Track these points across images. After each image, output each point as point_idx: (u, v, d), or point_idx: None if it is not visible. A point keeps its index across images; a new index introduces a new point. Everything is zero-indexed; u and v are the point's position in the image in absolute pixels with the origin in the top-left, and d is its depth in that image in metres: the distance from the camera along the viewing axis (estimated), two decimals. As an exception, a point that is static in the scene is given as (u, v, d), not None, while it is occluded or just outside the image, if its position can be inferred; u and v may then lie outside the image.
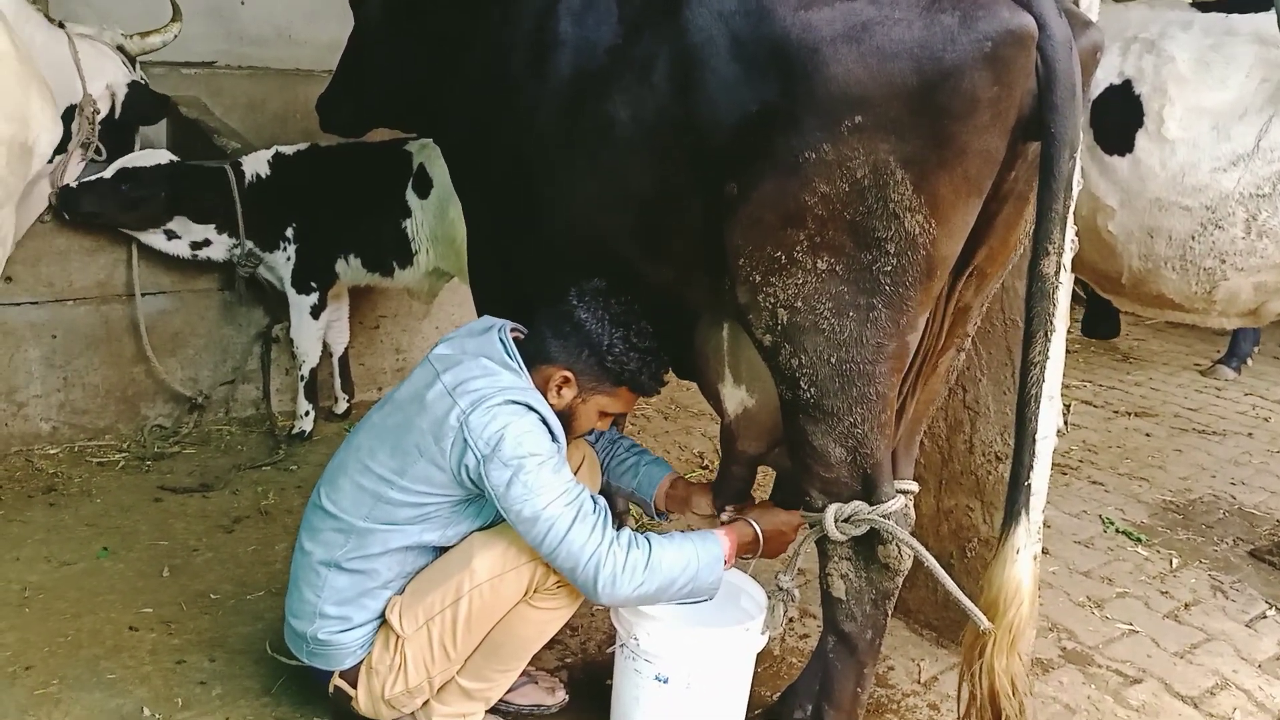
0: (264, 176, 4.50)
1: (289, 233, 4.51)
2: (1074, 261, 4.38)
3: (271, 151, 4.57)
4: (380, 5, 3.43)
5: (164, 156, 4.35)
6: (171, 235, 4.41)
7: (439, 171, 4.41)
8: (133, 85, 4.33)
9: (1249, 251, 3.84)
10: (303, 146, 4.63)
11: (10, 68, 3.06)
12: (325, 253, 4.56)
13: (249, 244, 4.48)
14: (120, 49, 4.34)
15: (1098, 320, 6.85)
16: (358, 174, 4.56)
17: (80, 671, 2.91)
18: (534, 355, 2.52)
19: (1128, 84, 4.07)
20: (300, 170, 4.55)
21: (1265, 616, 3.61)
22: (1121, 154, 4.05)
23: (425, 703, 2.58)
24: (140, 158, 4.29)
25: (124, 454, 4.41)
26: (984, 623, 2.17)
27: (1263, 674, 3.26)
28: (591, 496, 2.37)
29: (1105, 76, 4.12)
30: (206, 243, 4.47)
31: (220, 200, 4.39)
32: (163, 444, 4.52)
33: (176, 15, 4.57)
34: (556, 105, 2.49)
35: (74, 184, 4.17)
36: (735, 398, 2.56)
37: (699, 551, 2.37)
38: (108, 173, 4.21)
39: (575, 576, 2.33)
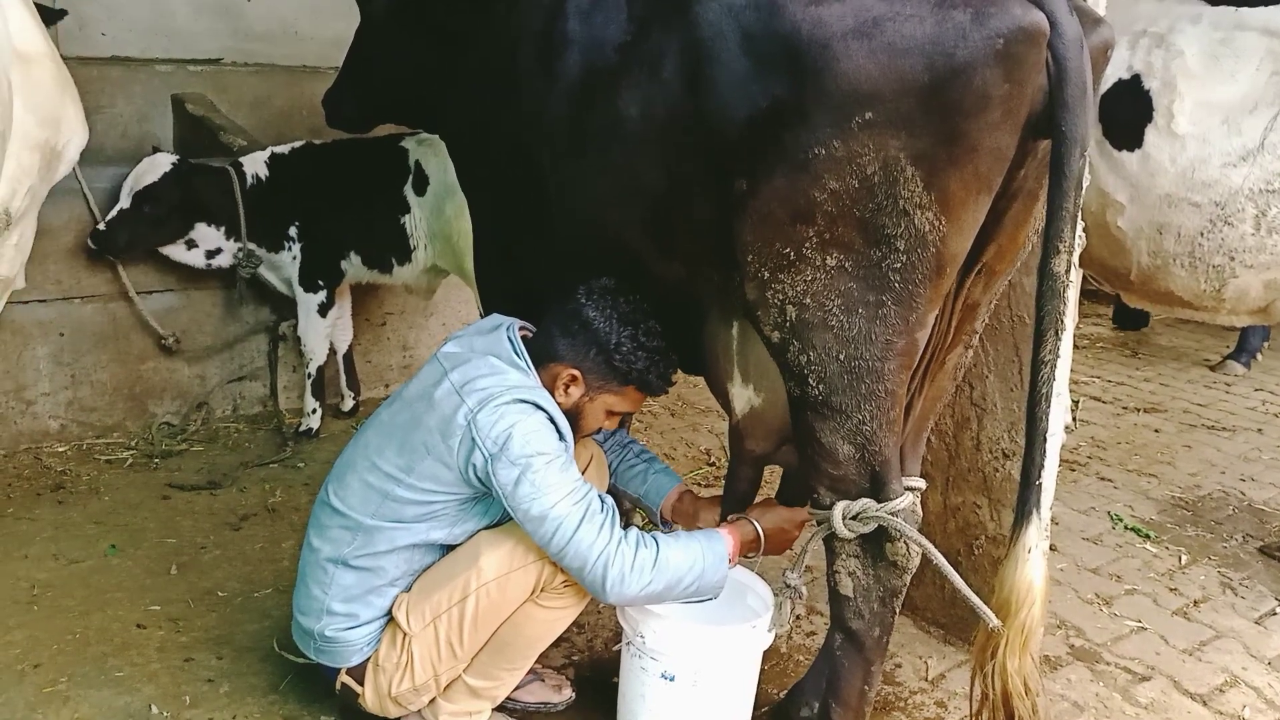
0: (263, 177, 4.50)
1: (292, 232, 4.52)
2: (1082, 257, 4.39)
3: (267, 152, 4.57)
4: (386, 1, 3.43)
5: (166, 162, 4.34)
6: (191, 245, 4.44)
7: (435, 168, 4.41)
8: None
9: (1259, 248, 3.81)
10: (298, 144, 4.63)
11: (48, 70, 3.02)
12: (330, 251, 4.57)
13: (251, 245, 4.48)
14: None
15: (1128, 312, 6.92)
16: (356, 171, 4.56)
17: (88, 669, 2.91)
18: (542, 353, 2.51)
19: (1137, 79, 4.05)
20: (298, 169, 4.56)
21: (1275, 614, 3.59)
22: (1131, 149, 4.03)
23: (432, 700, 2.58)
24: (146, 173, 4.29)
25: (132, 451, 4.42)
26: (994, 621, 2.16)
27: (1272, 671, 3.25)
28: (599, 495, 2.37)
29: (1114, 71, 4.10)
30: (218, 250, 4.49)
31: (225, 201, 4.40)
32: (171, 441, 4.53)
33: None
34: (566, 102, 2.48)
35: (103, 226, 4.22)
36: (743, 396, 2.55)
37: (705, 551, 2.36)
38: (126, 203, 4.24)
39: (583, 575, 2.32)
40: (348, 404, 4.96)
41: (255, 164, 4.52)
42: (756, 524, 2.55)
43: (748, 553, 2.56)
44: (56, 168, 3.40)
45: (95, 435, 4.51)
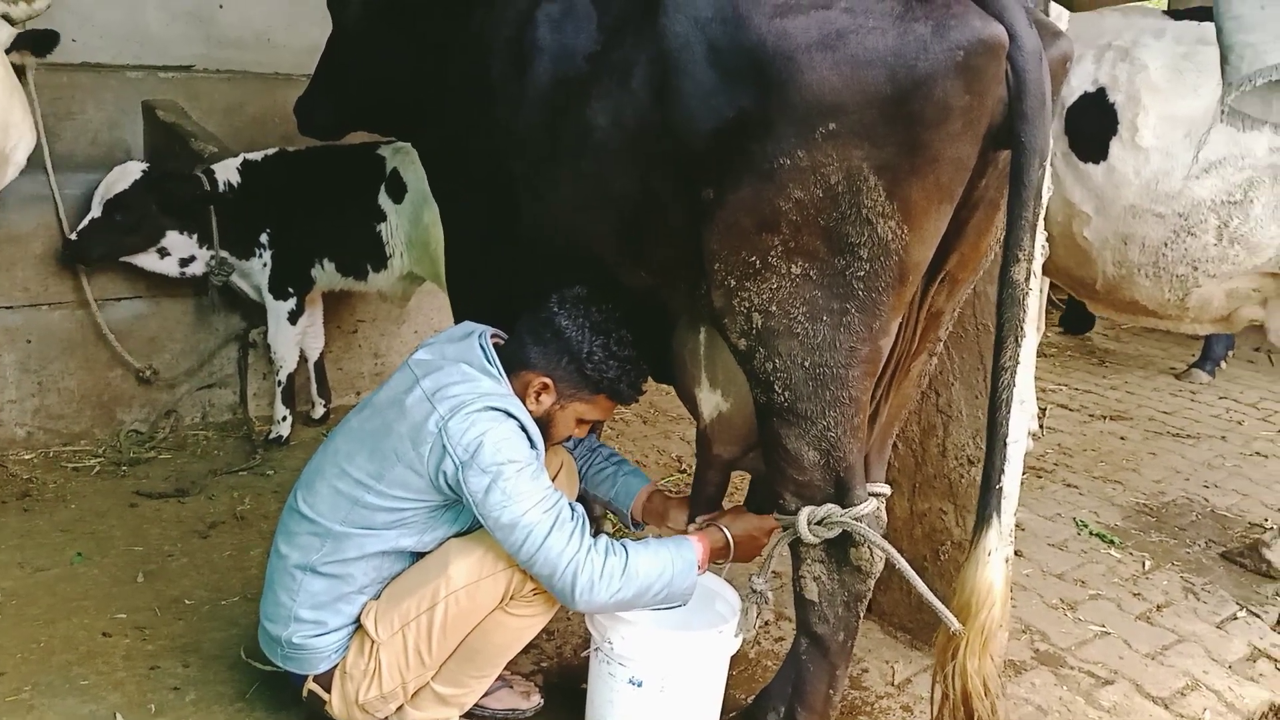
0: (235, 184, 4.48)
1: (263, 239, 4.50)
2: (1049, 267, 4.45)
3: (240, 159, 4.55)
4: (359, 10, 3.43)
5: (136, 170, 4.31)
6: (164, 253, 4.40)
7: (413, 175, 4.41)
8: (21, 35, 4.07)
9: (1221, 258, 3.88)
10: (270, 152, 4.61)
11: None
12: (301, 258, 4.55)
13: (223, 253, 4.46)
14: (6, 17, 4.19)
15: (1074, 316, 7.07)
16: (329, 178, 4.54)
17: (53, 678, 2.89)
18: (513, 361, 2.52)
19: (1102, 92, 4.11)
20: (270, 176, 4.53)
21: (1236, 618, 3.65)
22: (1096, 161, 4.08)
23: (400, 708, 2.58)
24: (117, 181, 4.26)
25: (99, 459, 4.38)
26: (955, 624, 2.19)
27: (1233, 675, 3.30)
28: (569, 504, 2.38)
29: (1080, 84, 4.16)
30: (192, 259, 4.46)
31: (197, 209, 4.37)
32: (139, 449, 4.50)
33: None
34: (536, 111, 2.50)
35: (74, 236, 4.20)
36: (711, 402, 2.57)
37: (674, 558, 2.38)
38: (97, 211, 4.21)
39: (552, 583, 2.33)
40: (318, 411, 4.95)
41: (227, 171, 4.50)
42: (726, 531, 2.57)
43: (717, 559, 2.57)
44: (4, 171, 3.39)
45: (62, 443, 4.47)
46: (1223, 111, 2.39)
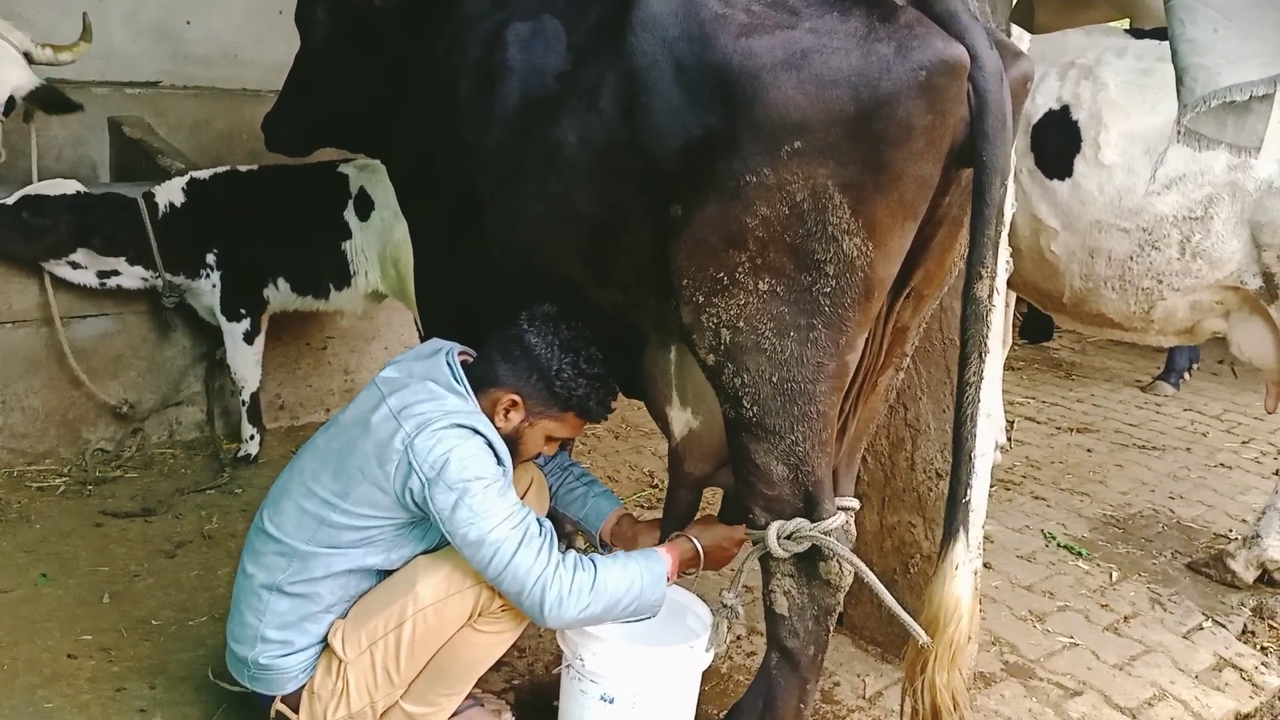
0: (178, 205, 4.40)
1: (210, 259, 4.43)
2: (1016, 281, 4.50)
3: (186, 178, 4.49)
4: (327, 28, 3.43)
5: (71, 187, 4.25)
6: (76, 265, 4.31)
7: (380, 193, 4.39)
8: (39, 89, 4.22)
9: (1184, 272, 3.94)
10: (220, 170, 4.54)
11: None
12: (252, 278, 4.49)
13: (169, 276, 4.42)
14: (27, 55, 4.22)
15: (1033, 326, 7.40)
16: (284, 197, 4.49)
17: (16, 701, 2.85)
18: (482, 379, 2.52)
19: (1066, 110, 4.16)
20: (218, 195, 4.47)
21: (1202, 628, 3.69)
22: (1062, 178, 4.14)
23: (370, 727, 2.57)
24: (46, 186, 4.21)
25: (64, 478, 4.33)
26: (923, 638, 2.21)
27: (1199, 684, 3.34)
28: (538, 519, 2.38)
29: (1045, 102, 4.21)
30: (115, 273, 4.37)
31: (131, 233, 4.30)
32: (104, 468, 4.45)
33: (86, 35, 4.45)
34: (505, 130, 2.51)
35: None
36: (682, 419, 2.59)
37: (642, 571, 2.38)
38: (10, 199, 4.14)
39: (521, 600, 2.33)
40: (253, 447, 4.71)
41: (171, 191, 4.42)
42: (696, 541, 2.58)
43: (687, 569, 2.58)
44: None
45: (27, 462, 4.41)
46: (1179, 132, 2.44)
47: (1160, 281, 4.00)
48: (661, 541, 2.66)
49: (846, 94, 1.96)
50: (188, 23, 5.80)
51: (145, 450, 4.66)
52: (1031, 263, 4.36)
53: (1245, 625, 3.76)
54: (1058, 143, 4.16)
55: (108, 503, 4.15)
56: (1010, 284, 4.47)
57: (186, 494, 4.26)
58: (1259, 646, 3.64)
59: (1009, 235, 4.06)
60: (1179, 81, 2.37)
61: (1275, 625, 3.77)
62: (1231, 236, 3.79)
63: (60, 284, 4.35)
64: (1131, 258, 4.01)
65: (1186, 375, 6.72)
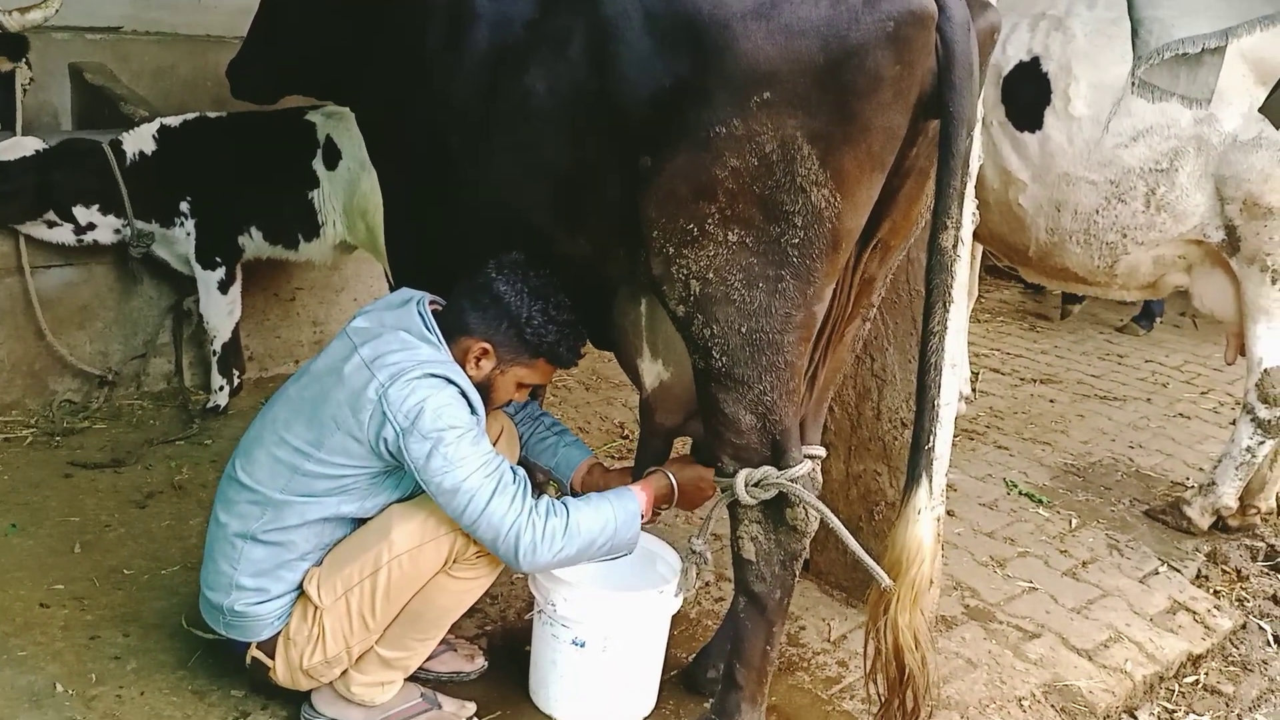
0: (149, 152, 4.33)
1: (184, 207, 4.38)
2: (983, 234, 4.54)
3: (156, 124, 4.41)
4: (292, -30, 3.38)
5: (30, 146, 4.15)
6: (52, 224, 4.24)
7: (348, 142, 4.34)
8: None
9: (1148, 225, 3.98)
10: (190, 117, 4.46)
11: None
12: (227, 226, 4.44)
13: (141, 224, 4.36)
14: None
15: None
16: (255, 144, 4.42)
17: (-11, 649, 2.86)
18: (452, 327, 2.53)
19: (1036, 61, 4.17)
20: (189, 142, 4.40)
21: (1157, 573, 3.80)
22: (1032, 130, 4.15)
23: (344, 672, 2.60)
24: (5, 149, 4.11)
25: (32, 430, 4.30)
26: (886, 580, 2.27)
27: (1153, 627, 3.44)
28: (511, 467, 2.40)
29: (1015, 54, 4.22)
30: (91, 226, 4.30)
31: (100, 181, 4.23)
32: (72, 419, 4.42)
33: None
34: (474, 79, 2.49)
35: None
36: (652, 371, 2.61)
37: (615, 510, 2.42)
38: None
39: (496, 547, 2.36)
40: (222, 399, 4.69)
41: (140, 139, 4.35)
42: (671, 476, 2.61)
43: (661, 505, 2.62)
44: None
45: (-8, 413, 4.38)
46: (1133, 84, 2.47)
47: (1125, 235, 4.04)
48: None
49: (815, 44, 1.97)
50: (150, -34, 5.68)
51: (113, 401, 4.63)
52: (1000, 215, 4.40)
53: (1199, 570, 3.87)
54: (1028, 95, 4.17)
55: (76, 454, 4.14)
56: (977, 236, 4.51)
57: (156, 445, 4.24)
58: (1212, 590, 3.75)
59: (977, 188, 4.09)
60: (1134, 34, 2.40)
61: (1228, 570, 3.89)
62: (1196, 189, 3.83)
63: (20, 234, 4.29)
64: (1098, 211, 4.05)
65: (1159, 319, 6.84)
